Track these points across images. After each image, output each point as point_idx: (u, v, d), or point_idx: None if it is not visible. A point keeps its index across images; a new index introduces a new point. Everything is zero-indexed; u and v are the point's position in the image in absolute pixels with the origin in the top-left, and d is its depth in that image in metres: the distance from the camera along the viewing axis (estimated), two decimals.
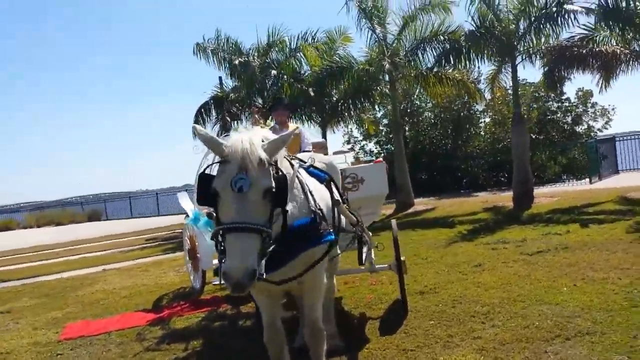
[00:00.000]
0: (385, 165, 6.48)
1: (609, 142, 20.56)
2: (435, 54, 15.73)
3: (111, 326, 6.35)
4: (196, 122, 18.94)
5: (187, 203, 7.66)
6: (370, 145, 25.95)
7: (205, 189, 2.79)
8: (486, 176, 22.28)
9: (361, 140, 25.83)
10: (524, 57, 14.44)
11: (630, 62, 13.54)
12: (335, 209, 4.01)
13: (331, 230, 3.49)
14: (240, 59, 17.86)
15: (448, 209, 14.88)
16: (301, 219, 3.27)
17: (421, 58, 16.16)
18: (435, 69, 16.16)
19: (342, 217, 4.32)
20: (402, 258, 5.71)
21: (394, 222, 5.83)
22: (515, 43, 14.08)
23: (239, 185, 2.68)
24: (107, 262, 12.33)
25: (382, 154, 24.93)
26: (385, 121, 25.34)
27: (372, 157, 25.73)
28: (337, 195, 4.14)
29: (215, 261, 7.39)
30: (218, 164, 2.85)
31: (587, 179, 17.98)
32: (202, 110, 19.13)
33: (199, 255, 7.42)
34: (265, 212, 2.77)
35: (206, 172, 2.90)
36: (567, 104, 23.84)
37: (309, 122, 19.13)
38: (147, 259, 12.21)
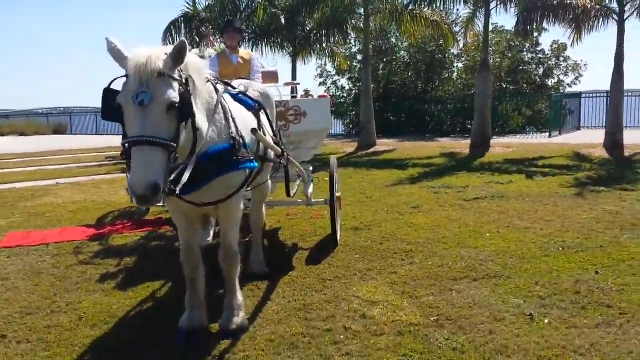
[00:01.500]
0: (330, 100, 6.52)
1: (574, 98, 20.85)
2: None
3: (51, 238, 6.44)
4: (165, 39, 18.48)
5: None
6: (343, 81, 25.76)
7: (110, 104, 2.79)
8: (452, 122, 22.49)
9: (334, 75, 25.55)
10: (498, 3, 14.34)
11: (601, 19, 13.57)
12: (280, 137, 4.07)
13: (252, 157, 3.55)
14: None
15: (407, 152, 15.11)
16: (220, 144, 3.34)
17: None
18: (410, 7, 15.95)
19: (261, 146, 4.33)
20: (338, 194, 5.90)
21: (332, 158, 5.96)
22: None
23: (140, 99, 2.67)
24: (62, 175, 12.30)
25: (354, 91, 24.84)
26: (359, 57, 25.07)
27: (343, 93, 25.64)
28: (265, 125, 4.20)
29: None
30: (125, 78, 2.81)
31: (547, 133, 18.35)
32: (172, 27, 18.58)
33: None
34: (169, 126, 2.77)
35: (112, 87, 2.85)
36: (540, 56, 23.88)
37: (281, 50, 18.86)
38: (103, 177, 12.21)
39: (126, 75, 2.80)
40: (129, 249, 5.96)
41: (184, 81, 2.91)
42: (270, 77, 6.76)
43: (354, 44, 23.69)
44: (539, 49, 23.77)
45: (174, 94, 2.78)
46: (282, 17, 17.24)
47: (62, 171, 13.38)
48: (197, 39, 18.10)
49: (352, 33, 19.48)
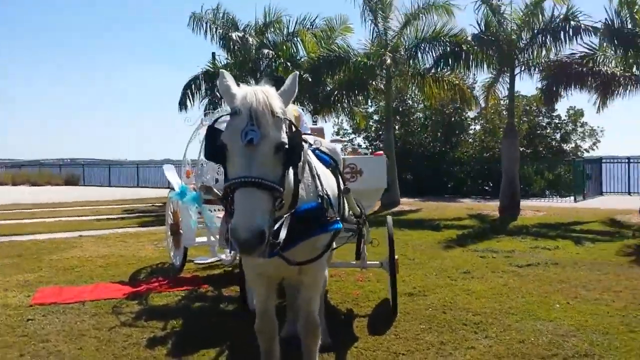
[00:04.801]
0: (386, 159, 6.27)
1: (595, 163, 20.70)
2: (434, 55, 15.62)
3: (85, 295, 6.06)
4: (184, 95, 18.73)
5: (173, 176, 7.33)
6: (359, 140, 25.80)
7: (214, 143, 2.53)
8: (472, 183, 22.27)
9: (350, 134, 25.61)
10: (522, 69, 14.40)
11: (629, 86, 13.57)
12: (342, 198, 3.79)
13: (337, 218, 3.24)
14: (237, 33, 17.49)
15: (433, 212, 14.82)
16: (309, 202, 3.02)
17: (420, 58, 16.06)
18: (432, 70, 16.03)
19: (347, 207, 4.06)
20: (395, 257, 5.54)
21: (389, 218, 5.63)
22: (516, 53, 14.03)
23: (249, 137, 2.39)
24: (83, 228, 12.00)
25: (370, 150, 24.80)
26: (375, 117, 25.23)
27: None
28: (341, 183, 3.91)
29: (199, 239, 7.15)
30: (229, 116, 2.56)
31: (572, 197, 18.08)
32: (192, 84, 18.74)
33: (182, 232, 7.17)
34: (276, 169, 2.49)
35: (215, 126, 2.61)
36: (557, 121, 23.98)
37: (302, 109, 18.87)
38: (125, 230, 11.87)
39: (231, 113, 2.54)
40: (173, 310, 5.56)
41: (293, 123, 2.66)
42: (319, 133, 6.55)
43: (370, 104, 23.86)
44: (555, 114, 23.87)
45: (283, 135, 2.52)
46: (306, 76, 17.35)
47: (82, 223, 13.09)
48: (219, 95, 18.32)
49: (372, 93, 19.61)
